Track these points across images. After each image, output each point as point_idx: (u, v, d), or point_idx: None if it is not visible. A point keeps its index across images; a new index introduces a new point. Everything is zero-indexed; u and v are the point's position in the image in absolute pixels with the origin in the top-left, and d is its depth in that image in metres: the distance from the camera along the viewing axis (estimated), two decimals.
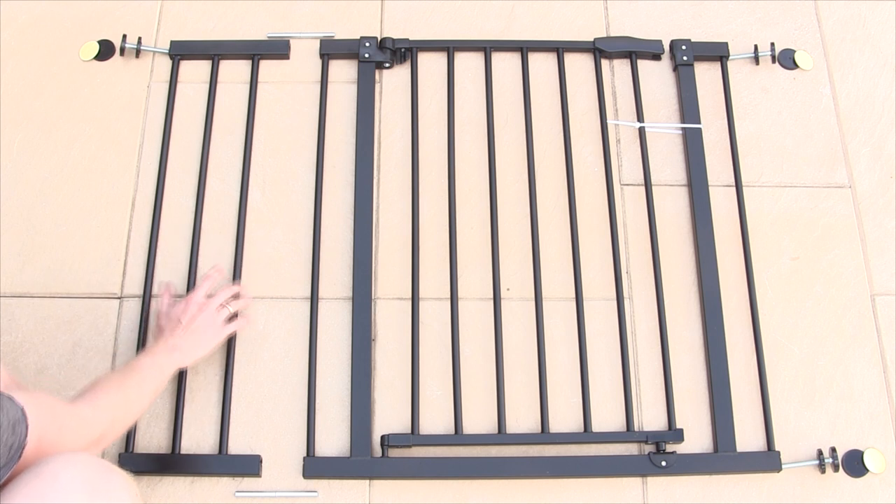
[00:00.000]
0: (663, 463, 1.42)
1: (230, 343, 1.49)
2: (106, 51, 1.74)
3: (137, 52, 1.73)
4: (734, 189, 1.65)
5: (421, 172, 1.64)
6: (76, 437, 1.11)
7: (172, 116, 1.68)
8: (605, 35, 1.79)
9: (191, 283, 1.53)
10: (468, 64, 1.76)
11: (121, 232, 1.59)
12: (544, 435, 1.44)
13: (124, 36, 1.73)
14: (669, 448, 1.44)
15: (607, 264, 1.58)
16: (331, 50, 1.74)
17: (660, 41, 1.77)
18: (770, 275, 1.59)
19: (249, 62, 1.74)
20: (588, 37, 1.77)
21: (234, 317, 1.47)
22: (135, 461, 1.40)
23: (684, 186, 1.66)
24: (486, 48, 1.75)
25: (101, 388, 1.22)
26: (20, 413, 0.99)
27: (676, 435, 1.44)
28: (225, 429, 1.43)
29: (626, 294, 1.56)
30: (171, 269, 1.56)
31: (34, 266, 1.55)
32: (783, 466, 1.43)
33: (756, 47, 1.77)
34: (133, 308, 1.53)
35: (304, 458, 1.41)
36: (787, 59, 1.78)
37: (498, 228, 1.59)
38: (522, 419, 1.47)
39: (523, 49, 1.75)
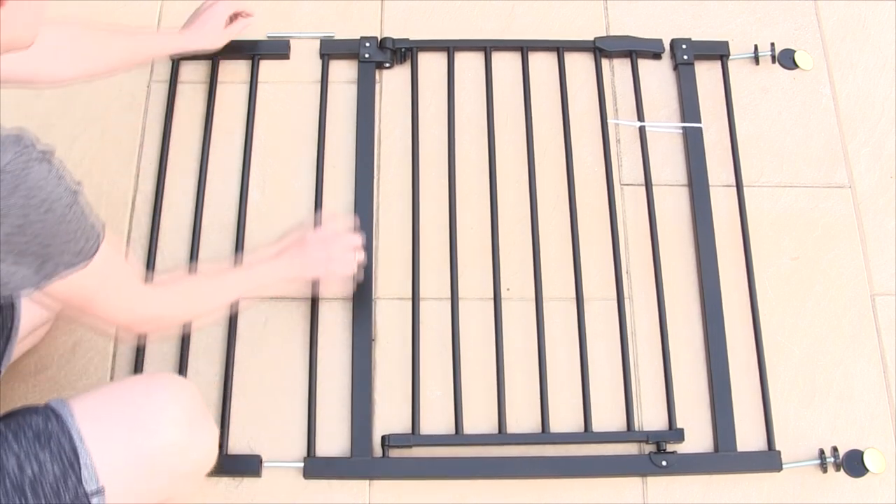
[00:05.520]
0: (664, 463, 1.42)
1: (230, 343, 1.49)
2: None
3: None
4: (734, 189, 1.65)
5: (421, 172, 1.64)
6: (123, 305, 1.08)
7: (172, 116, 1.68)
8: (604, 35, 1.79)
9: None
10: (468, 64, 1.76)
11: (121, 232, 1.59)
12: (545, 435, 1.44)
13: None
14: (670, 448, 1.44)
15: (607, 264, 1.58)
16: (331, 50, 1.74)
17: (660, 40, 1.77)
18: (770, 275, 1.59)
19: (249, 62, 1.74)
20: (588, 37, 1.77)
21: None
22: None
23: (684, 186, 1.66)
24: (487, 48, 1.75)
25: (182, 283, 1.24)
26: (99, 233, 0.97)
27: (677, 435, 1.44)
28: (225, 429, 1.43)
29: (626, 294, 1.56)
30: (171, 268, 1.56)
31: None
32: (783, 466, 1.43)
33: (756, 47, 1.77)
34: None
35: (305, 459, 1.41)
36: (787, 59, 1.78)
37: (498, 228, 1.59)
38: (523, 419, 1.47)
39: (523, 48, 1.75)
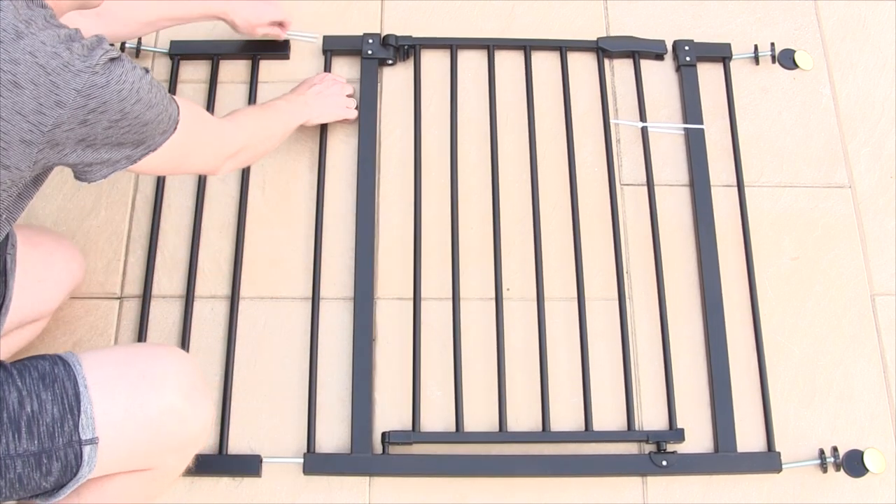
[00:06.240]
0: (664, 462, 1.42)
1: (230, 343, 1.49)
2: None
3: (137, 52, 1.73)
4: (734, 189, 1.65)
5: (422, 171, 1.64)
6: (213, 150, 1.21)
7: None
8: (604, 35, 1.79)
9: (191, 284, 1.53)
10: (471, 62, 1.76)
11: (121, 232, 1.59)
12: (545, 434, 1.44)
13: None
14: (670, 448, 1.44)
15: (608, 264, 1.58)
16: (334, 46, 1.74)
17: (663, 41, 1.77)
18: (770, 275, 1.59)
19: (249, 62, 1.74)
20: (587, 36, 1.77)
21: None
22: None
23: (685, 186, 1.66)
24: (490, 46, 1.75)
25: (243, 112, 1.37)
26: (176, 104, 1.07)
27: (677, 434, 1.44)
28: (225, 429, 1.43)
29: (626, 294, 1.56)
30: (171, 269, 1.56)
31: None
32: (783, 466, 1.43)
33: (756, 47, 1.77)
34: (133, 308, 1.53)
35: (305, 454, 1.41)
36: (787, 59, 1.78)
37: (499, 228, 1.59)
38: (523, 418, 1.47)
39: (526, 48, 1.75)
